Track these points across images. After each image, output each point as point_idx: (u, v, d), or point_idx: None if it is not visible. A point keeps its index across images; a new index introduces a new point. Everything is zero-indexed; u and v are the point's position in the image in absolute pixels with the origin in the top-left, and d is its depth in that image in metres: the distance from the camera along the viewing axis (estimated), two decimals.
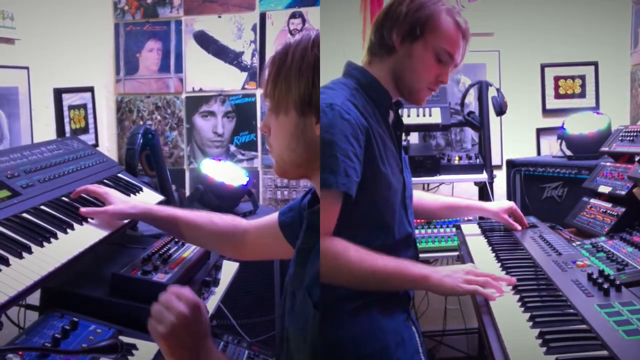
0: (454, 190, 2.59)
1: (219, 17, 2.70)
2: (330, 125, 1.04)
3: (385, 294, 1.14)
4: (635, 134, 1.85)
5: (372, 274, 1.07)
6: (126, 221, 1.37)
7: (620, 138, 1.92)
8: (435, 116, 2.28)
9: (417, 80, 1.17)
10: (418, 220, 2.18)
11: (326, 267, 1.01)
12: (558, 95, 2.75)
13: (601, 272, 1.14)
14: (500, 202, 1.66)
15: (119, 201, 1.35)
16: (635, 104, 2.55)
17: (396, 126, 1.23)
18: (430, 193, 1.58)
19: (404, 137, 2.34)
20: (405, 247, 1.20)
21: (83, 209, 1.29)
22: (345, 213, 1.07)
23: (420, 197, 1.48)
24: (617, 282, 1.06)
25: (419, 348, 1.16)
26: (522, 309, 1.01)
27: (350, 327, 1.10)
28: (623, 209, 1.63)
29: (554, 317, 0.96)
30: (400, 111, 1.25)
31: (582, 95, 2.74)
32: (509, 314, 1.00)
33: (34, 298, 1.16)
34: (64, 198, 1.35)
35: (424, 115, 2.29)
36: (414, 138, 2.67)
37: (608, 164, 1.86)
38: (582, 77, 2.73)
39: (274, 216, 1.24)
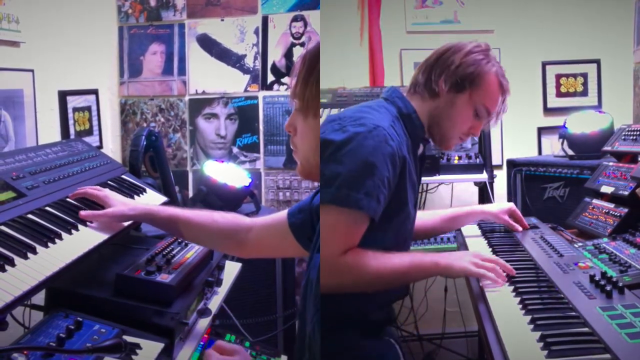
0: (453, 191, 2.57)
1: (222, 20, 2.71)
2: (375, 148, 1.07)
3: (366, 317, 1.20)
4: (638, 133, 1.83)
5: (393, 273, 1.14)
6: (127, 223, 1.38)
7: (623, 137, 1.90)
8: None
9: (452, 129, 1.23)
10: None
11: (350, 280, 1.07)
12: (559, 94, 2.73)
13: (603, 274, 1.13)
14: (500, 203, 1.66)
15: (118, 203, 1.35)
16: (639, 102, 2.53)
17: (422, 159, 1.30)
18: (424, 211, 1.59)
19: None
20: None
21: (83, 212, 1.29)
22: (366, 234, 1.11)
23: (418, 218, 1.46)
24: (620, 284, 1.06)
25: None
26: (523, 311, 1.01)
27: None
28: (626, 210, 1.62)
29: (556, 320, 0.95)
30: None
31: (584, 93, 2.72)
32: (510, 317, 1.00)
33: (39, 298, 1.17)
34: (68, 199, 1.36)
35: None
36: None
37: (611, 163, 1.85)
38: (584, 75, 2.72)
39: (281, 215, 1.25)
